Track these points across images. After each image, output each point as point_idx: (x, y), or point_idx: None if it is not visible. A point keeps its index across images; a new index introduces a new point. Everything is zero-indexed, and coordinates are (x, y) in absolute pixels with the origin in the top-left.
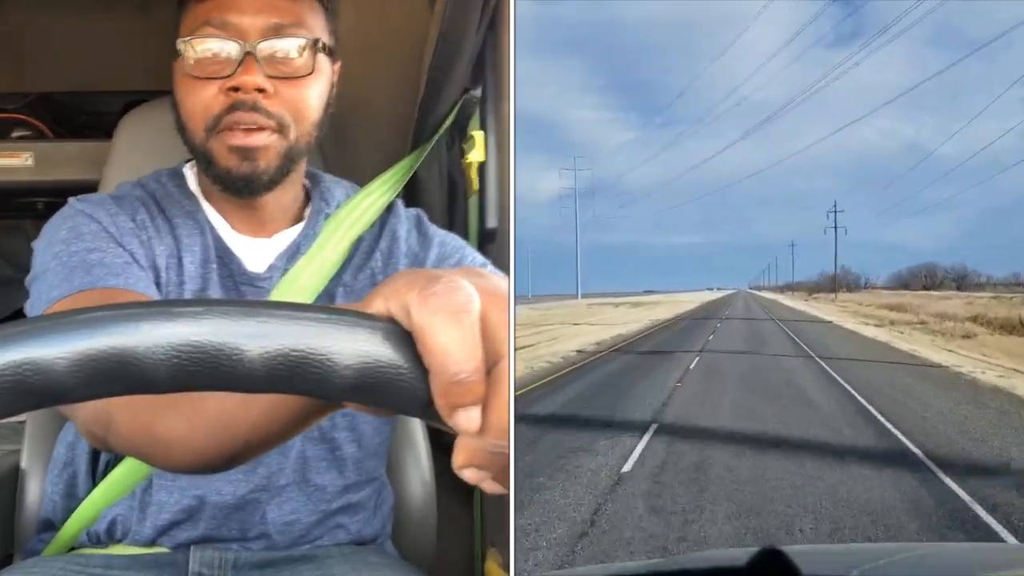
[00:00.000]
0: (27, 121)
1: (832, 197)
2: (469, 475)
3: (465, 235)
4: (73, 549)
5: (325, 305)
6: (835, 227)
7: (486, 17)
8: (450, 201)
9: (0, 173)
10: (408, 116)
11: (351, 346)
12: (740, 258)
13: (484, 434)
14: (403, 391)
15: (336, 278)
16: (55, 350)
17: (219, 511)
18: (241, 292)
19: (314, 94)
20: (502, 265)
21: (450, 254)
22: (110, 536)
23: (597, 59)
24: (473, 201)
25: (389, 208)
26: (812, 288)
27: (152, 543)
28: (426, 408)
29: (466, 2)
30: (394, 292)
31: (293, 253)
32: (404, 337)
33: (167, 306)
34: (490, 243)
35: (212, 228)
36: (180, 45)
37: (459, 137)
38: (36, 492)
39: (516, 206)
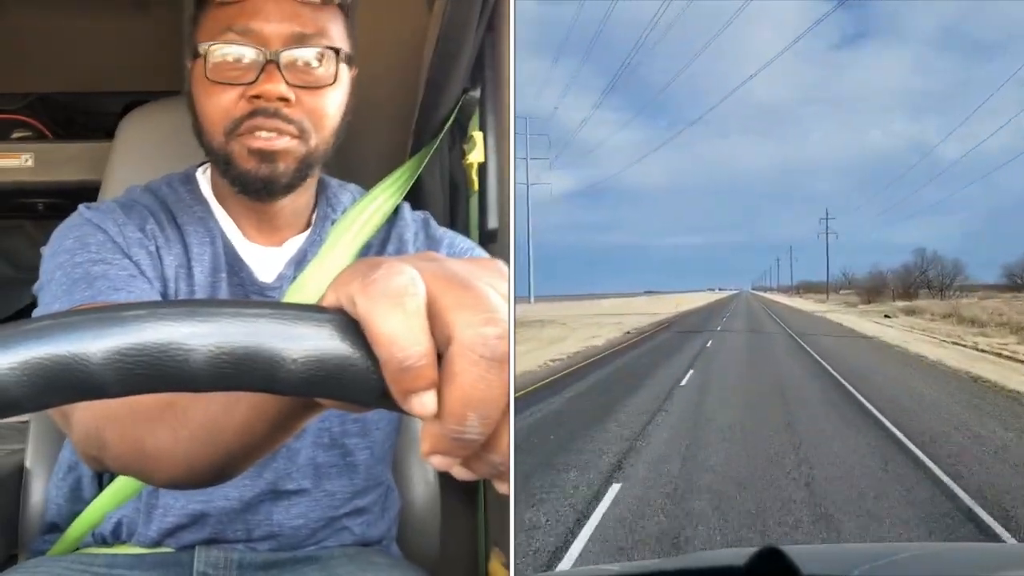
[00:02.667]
0: (27, 122)
1: (837, 198)
2: (436, 462)
3: (466, 235)
4: (77, 550)
5: (270, 300)
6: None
7: (485, 17)
8: (451, 201)
9: (0, 174)
10: (408, 117)
11: (296, 341)
12: (743, 257)
13: (442, 419)
14: (355, 382)
15: None
16: (3, 361)
17: (225, 515)
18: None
19: (334, 103)
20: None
21: (459, 256)
22: (115, 537)
23: (600, 59)
24: (473, 201)
25: (396, 212)
26: (866, 292)
27: (157, 544)
28: (381, 397)
29: (465, 3)
30: (341, 283)
31: (300, 260)
32: (351, 327)
33: (113, 311)
34: (491, 243)
35: (223, 235)
36: (201, 49)
37: (459, 137)
38: (40, 492)
39: (516, 206)
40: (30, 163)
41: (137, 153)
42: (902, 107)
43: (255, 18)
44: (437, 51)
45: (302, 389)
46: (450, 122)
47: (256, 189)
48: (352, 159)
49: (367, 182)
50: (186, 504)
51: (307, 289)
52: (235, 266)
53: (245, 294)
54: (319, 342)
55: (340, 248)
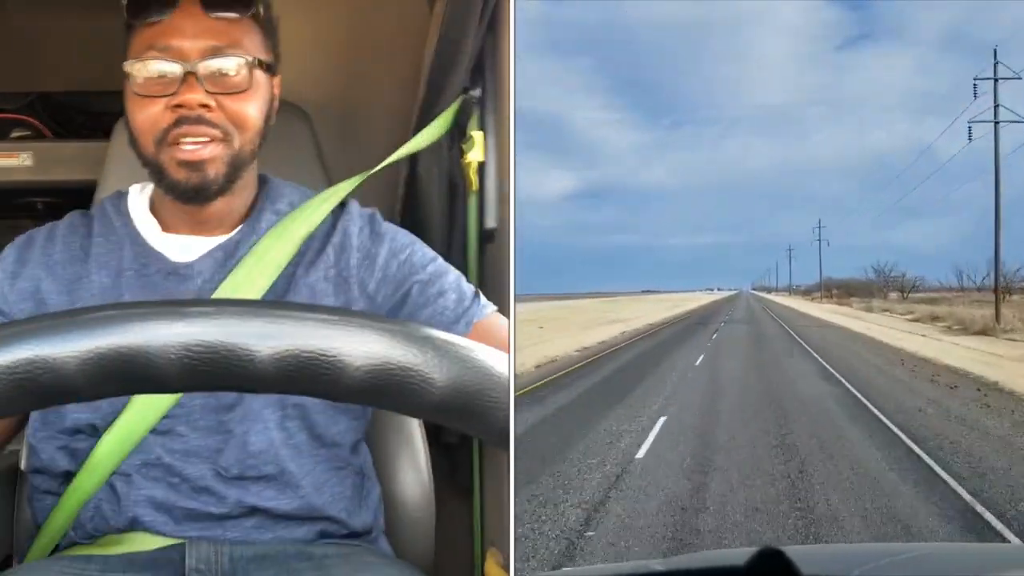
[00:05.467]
0: (26, 121)
1: (841, 199)
2: None
3: (465, 235)
4: (57, 549)
5: (338, 307)
6: None
7: (485, 18)
8: (450, 201)
9: None
10: (408, 116)
11: (361, 347)
12: (744, 257)
13: None
14: (413, 393)
15: (287, 273)
16: (65, 348)
17: (192, 493)
18: (157, 283)
19: (253, 107)
20: (502, 265)
21: (400, 249)
22: (94, 526)
23: (604, 59)
24: (472, 201)
25: (343, 206)
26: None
27: (134, 525)
28: (437, 410)
29: (465, 3)
30: None
31: (232, 248)
32: (415, 339)
33: (178, 305)
34: (490, 243)
35: (135, 237)
36: (127, 67)
37: (459, 137)
38: None
39: (518, 206)
40: (29, 162)
41: (133, 153)
42: (905, 108)
43: (174, 36)
44: (437, 51)
45: (362, 397)
46: (444, 122)
47: (188, 197)
48: (352, 158)
49: (367, 181)
50: (152, 488)
51: (243, 277)
52: (143, 258)
53: (149, 276)
54: (383, 350)
55: (281, 240)
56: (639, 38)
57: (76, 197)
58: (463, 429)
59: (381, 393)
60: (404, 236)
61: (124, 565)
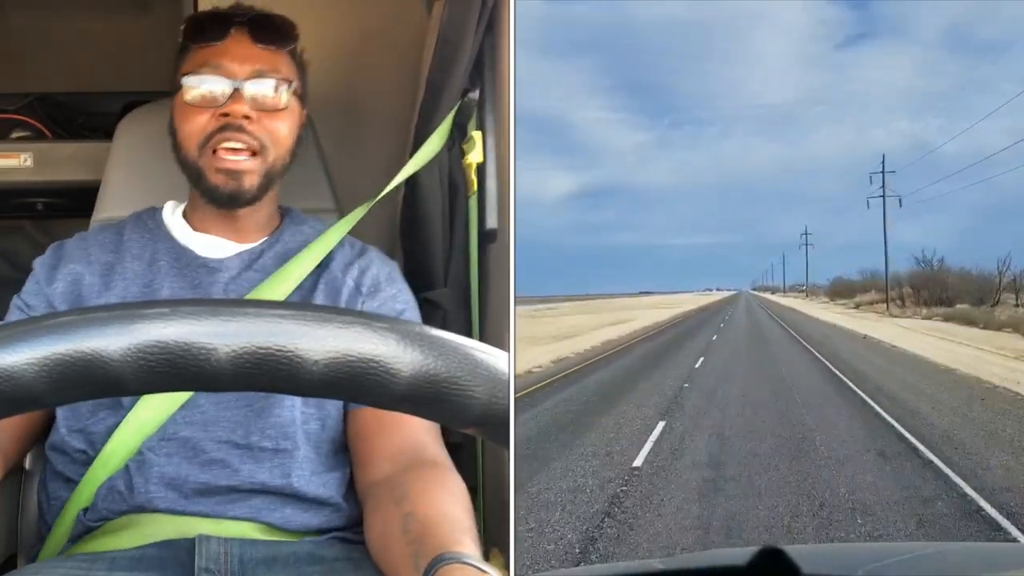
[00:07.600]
0: (26, 121)
1: (841, 197)
2: None
3: (465, 235)
4: (71, 535)
5: (293, 302)
6: None
7: (484, 19)
8: (451, 201)
9: None
10: (408, 117)
11: (319, 341)
12: (745, 257)
13: None
14: (376, 385)
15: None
16: (23, 356)
17: (205, 466)
18: (189, 273)
19: (286, 125)
20: (502, 265)
21: (386, 306)
22: (107, 506)
23: (607, 60)
24: (472, 201)
25: (364, 251)
26: None
27: (144, 504)
28: (400, 401)
29: (464, 4)
30: None
31: (257, 255)
32: (375, 330)
33: (133, 308)
34: (490, 243)
35: (167, 235)
36: (182, 81)
37: (459, 138)
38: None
39: (519, 207)
40: (29, 163)
41: (135, 153)
42: (905, 108)
43: (225, 57)
44: (437, 52)
45: (323, 390)
46: (445, 127)
47: (224, 201)
48: (353, 159)
49: (369, 180)
50: (165, 464)
51: (269, 288)
52: (176, 252)
53: (182, 268)
54: (341, 344)
55: (305, 260)
56: (640, 38)
57: (76, 197)
58: (435, 419)
59: (343, 386)
60: (403, 298)
61: (132, 564)
